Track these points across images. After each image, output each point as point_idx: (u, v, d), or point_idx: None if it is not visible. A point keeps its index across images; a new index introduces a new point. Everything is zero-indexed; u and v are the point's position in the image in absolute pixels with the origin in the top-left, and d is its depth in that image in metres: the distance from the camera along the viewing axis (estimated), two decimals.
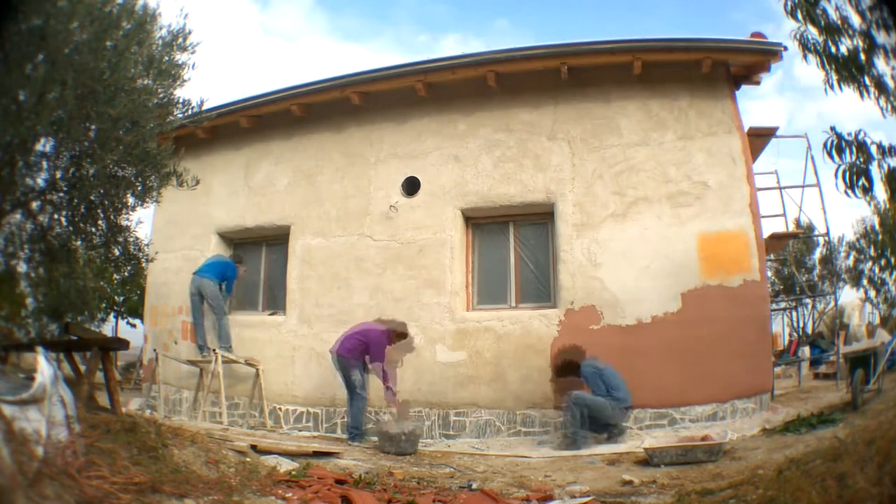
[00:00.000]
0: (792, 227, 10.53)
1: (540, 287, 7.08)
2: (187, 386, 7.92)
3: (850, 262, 18.00)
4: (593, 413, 5.63)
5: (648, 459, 4.75)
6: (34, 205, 3.69)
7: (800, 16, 3.30)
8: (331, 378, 7.27)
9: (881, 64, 3.16)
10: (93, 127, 3.53)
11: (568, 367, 6.01)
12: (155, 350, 8.19)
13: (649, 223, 6.65)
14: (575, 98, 7.15)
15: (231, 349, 7.41)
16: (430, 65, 7.31)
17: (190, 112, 4.20)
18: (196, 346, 7.61)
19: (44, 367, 2.53)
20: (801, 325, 14.98)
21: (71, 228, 3.85)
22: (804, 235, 13.77)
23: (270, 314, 7.97)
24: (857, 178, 3.08)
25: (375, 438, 5.94)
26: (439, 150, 7.47)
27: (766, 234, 7.56)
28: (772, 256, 13.65)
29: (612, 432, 5.74)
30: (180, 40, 3.99)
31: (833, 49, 3.26)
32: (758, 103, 54.69)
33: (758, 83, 7.11)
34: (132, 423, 3.10)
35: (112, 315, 15.54)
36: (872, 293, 17.08)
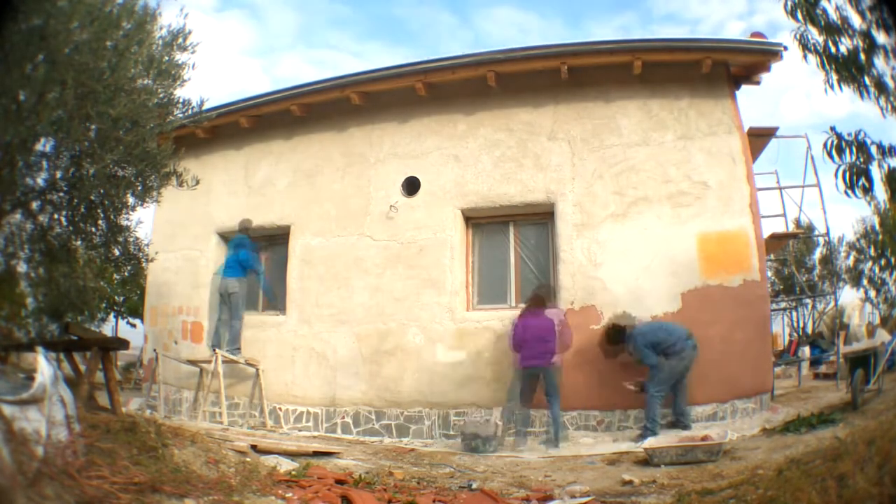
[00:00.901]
0: (792, 227, 10.54)
1: None
2: (187, 386, 7.92)
3: (850, 262, 17.98)
4: (667, 384, 5.69)
5: (648, 459, 4.75)
6: (34, 205, 3.69)
7: (800, 16, 3.29)
8: (330, 378, 7.29)
9: (881, 64, 3.16)
10: (93, 127, 3.52)
11: (616, 334, 6.02)
12: (155, 350, 8.19)
13: (649, 223, 6.65)
14: (575, 98, 7.15)
15: (238, 352, 7.41)
16: (430, 65, 7.30)
17: (190, 112, 4.19)
18: (209, 346, 7.54)
19: (44, 367, 2.53)
20: (801, 325, 14.97)
21: (71, 228, 3.85)
22: (804, 235, 13.77)
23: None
24: (857, 178, 3.08)
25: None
26: (439, 150, 7.47)
27: (766, 234, 7.56)
28: (772, 256, 13.65)
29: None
30: (180, 40, 3.99)
31: (833, 49, 3.26)
32: None
33: (758, 83, 7.11)
34: (132, 423, 3.10)
35: (112, 315, 15.55)
36: (872, 293, 17.07)
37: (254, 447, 4.47)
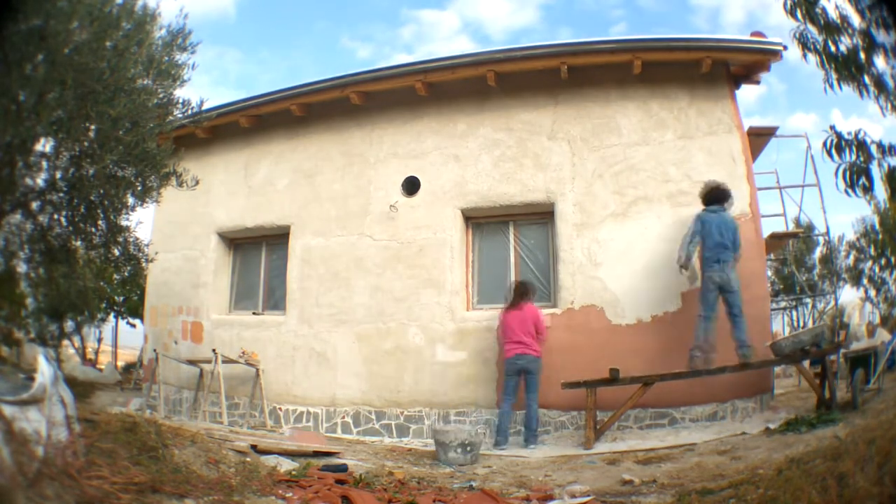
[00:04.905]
0: (792, 227, 10.55)
1: (540, 287, 7.07)
2: (187, 386, 7.92)
3: (850, 261, 17.98)
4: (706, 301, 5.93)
5: None
6: (34, 205, 3.69)
7: (799, 15, 3.29)
8: (330, 377, 7.29)
9: (881, 63, 3.16)
10: (93, 127, 3.53)
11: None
12: (155, 350, 8.20)
13: (649, 223, 6.64)
14: (575, 98, 7.15)
15: None
16: (430, 64, 7.30)
17: (190, 112, 4.21)
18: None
19: (44, 367, 2.53)
20: (802, 324, 14.98)
21: (71, 228, 3.85)
22: (804, 235, 13.78)
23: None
24: (857, 178, 3.07)
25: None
26: (439, 150, 7.47)
27: (766, 234, 7.56)
28: (772, 256, 13.65)
29: None
30: (180, 40, 4.00)
31: (833, 48, 3.26)
32: None
33: (758, 82, 7.11)
34: (132, 423, 3.10)
35: (112, 315, 15.55)
36: (873, 292, 17.07)
37: (254, 447, 4.47)
